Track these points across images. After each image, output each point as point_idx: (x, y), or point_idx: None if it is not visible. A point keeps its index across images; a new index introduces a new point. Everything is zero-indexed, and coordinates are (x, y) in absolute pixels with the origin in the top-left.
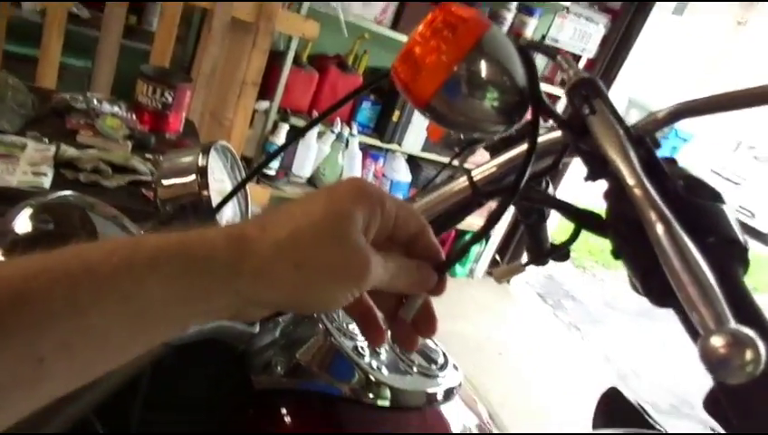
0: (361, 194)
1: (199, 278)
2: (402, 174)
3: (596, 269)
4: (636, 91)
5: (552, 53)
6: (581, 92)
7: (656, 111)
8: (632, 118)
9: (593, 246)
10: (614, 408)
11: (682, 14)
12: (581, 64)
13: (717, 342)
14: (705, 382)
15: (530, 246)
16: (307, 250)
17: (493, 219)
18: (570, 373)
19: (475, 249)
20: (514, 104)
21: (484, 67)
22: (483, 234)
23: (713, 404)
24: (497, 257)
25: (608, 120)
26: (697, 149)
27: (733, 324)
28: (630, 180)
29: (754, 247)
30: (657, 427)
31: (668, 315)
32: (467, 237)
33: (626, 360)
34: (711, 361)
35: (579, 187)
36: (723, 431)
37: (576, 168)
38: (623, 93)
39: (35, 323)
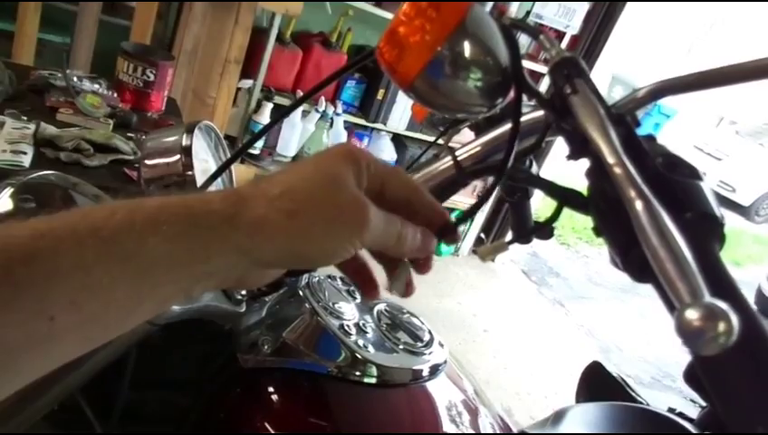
0: (349, 155)
1: (198, 234)
2: (387, 153)
3: (580, 246)
4: (620, 67)
5: (534, 32)
6: (563, 72)
7: (636, 90)
8: (616, 94)
9: (577, 224)
10: (597, 381)
11: None
12: (566, 41)
13: (692, 314)
14: (686, 356)
15: (514, 224)
16: (300, 201)
17: (483, 199)
18: (554, 349)
19: (462, 227)
20: (497, 84)
21: (467, 47)
22: (473, 212)
23: (693, 376)
24: (482, 236)
25: (589, 100)
26: (680, 125)
27: (707, 298)
28: (610, 159)
29: (735, 222)
30: (639, 399)
31: (650, 291)
32: (455, 215)
33: (609, 335)
34: (686, 333)
35: (563, 165)
36: (702, 402)
37: (561, 146)
38: (607, 70)
39: (44, 279)
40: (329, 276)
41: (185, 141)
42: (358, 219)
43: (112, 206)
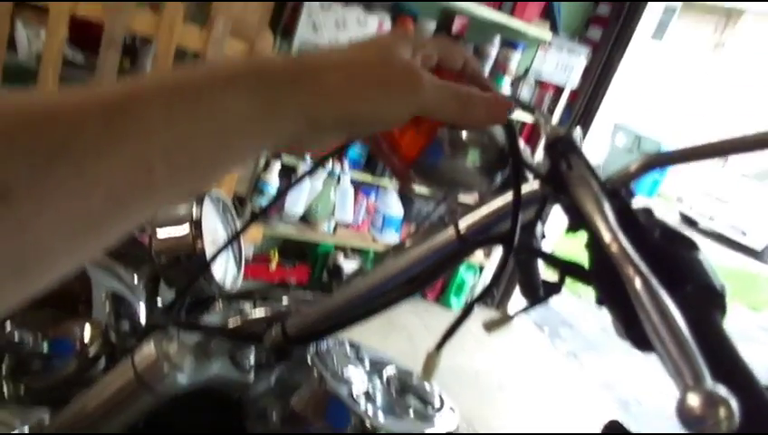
0: (397, 31)
1: (268, 93)
2: (394, 209)
3: (591, 296)
4: (621, 115)
5: (530, 109)
6: (559, 149)
7: (629, 164)
8: (618, 142)
9: None
10: None
11: (662, 38)
12: (565, 95)
13: (693, 401)
14: None
15: (522, 281)
16: (357, 66)
17: (495, 278)
18: (570, 404)
19: (470, 281)
20: (495, 163)
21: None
22: (488, 291)
23: None
24: (493, 290)
25: (583, 176)
26: (685, 168)
27: (709, 383)
28: (606, 236)
29: (748, 266)
30: None
31: None
32: (463, 270)
33: (626, 387)
34: (688, 419)
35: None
36: None
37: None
38: (609, 119)
39: (141, 132)
40: (337, 342)
41: (195, 214)
42: (411, 80)
43: (188, 68)
